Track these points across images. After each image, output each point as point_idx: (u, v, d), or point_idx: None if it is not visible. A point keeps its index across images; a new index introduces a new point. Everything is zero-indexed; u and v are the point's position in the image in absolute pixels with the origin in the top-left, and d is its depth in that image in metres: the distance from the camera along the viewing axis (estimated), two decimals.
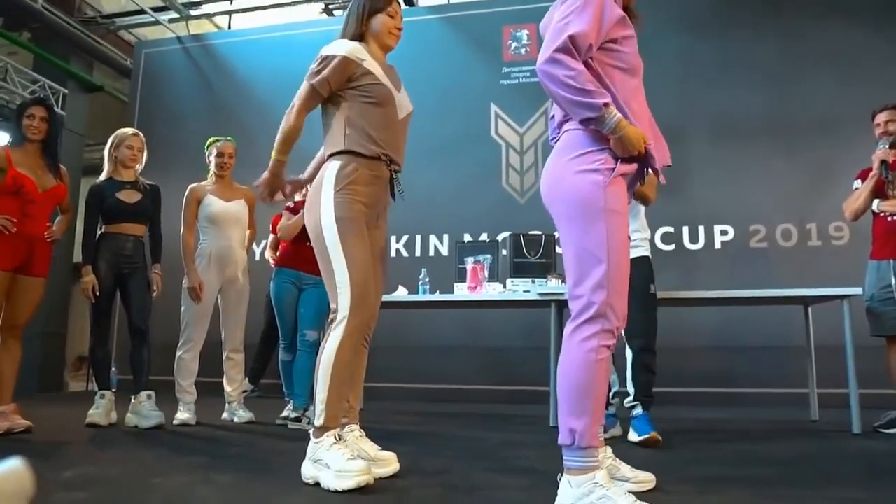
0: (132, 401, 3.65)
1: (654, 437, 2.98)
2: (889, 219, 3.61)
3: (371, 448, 2.24)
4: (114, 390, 3.81)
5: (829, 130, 5.59)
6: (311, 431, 2.10)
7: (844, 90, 5.58)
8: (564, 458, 1.72)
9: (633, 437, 3.12)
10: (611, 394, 3.30)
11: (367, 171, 2.20)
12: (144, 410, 3.56)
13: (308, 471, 2.06)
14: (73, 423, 3.66)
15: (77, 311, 7.81)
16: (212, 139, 4.13)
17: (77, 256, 4.74)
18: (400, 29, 2.40)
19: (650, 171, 1.87)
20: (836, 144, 5.47)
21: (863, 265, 3.77)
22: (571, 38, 1.71)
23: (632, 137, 1.73)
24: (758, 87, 5.84)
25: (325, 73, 2.20)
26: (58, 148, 3.69)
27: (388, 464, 2.19)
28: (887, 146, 3.63)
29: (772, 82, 5.83)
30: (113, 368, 4.15)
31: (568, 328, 1.76)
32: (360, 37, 2.35)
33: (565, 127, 1.86)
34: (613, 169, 1.75)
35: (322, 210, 2.13)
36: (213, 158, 4.07)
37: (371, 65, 2.26)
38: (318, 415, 2.06)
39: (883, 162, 3.60)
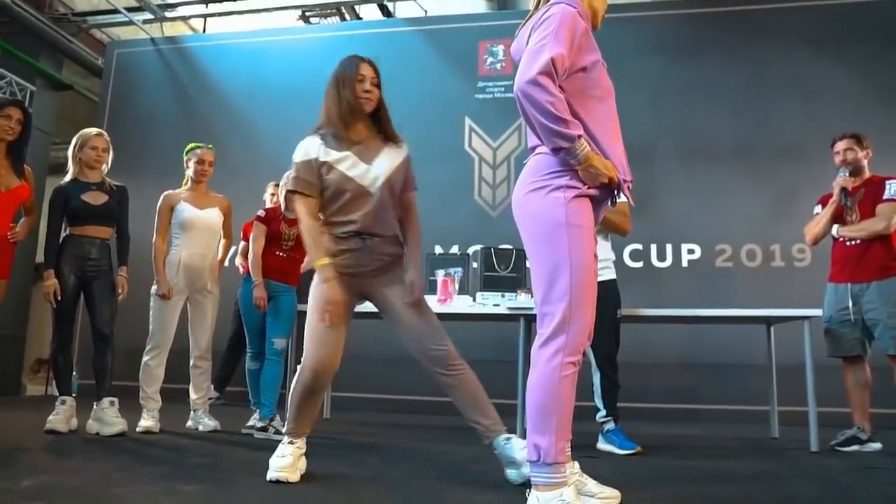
0: (94, 407, 3.57)
1: (639, 451, 3.26)
2: (847, 244, 3.73)
3: None
4: (74, 395, 3.72)
5: (794, 155, 5.75)
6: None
7: (808, 117, 5.76)
8: (531, 474, 1.74)
9: (605, 447, 3.37)
10: None
11: (337, 246, 2.42)
12: (107, 417, 3.49)
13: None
14: (31, 430, 3.56)
15: (37, 314, 7.61)
16: (192, 145, 4.08)
17: (39, 257, 4.63)
18: (369, 91, 2.45)
19: (620, 194, 1.92)
20: (800, 169, 5.63)
21: (823, 286, 3.88)
22: (553, 60, 1.72)
23: (599, 168, 1.77)
24: (726, 112, 5.99)
25: (299, 176, 2.42)
26: (25, 150, 3.62)
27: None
28: (847, 174, 3.75)
29: (739, 107, 5.98)
30: (74, 373, 4.06)
31: (535, 345, 1.79)
32: (332, 122, 2.44)
33: (536, 150, 1.90)
34: (576, 188, 1.79)
35: None
36: (192, 164, 4.01)
37: (329, 154, 2.41)
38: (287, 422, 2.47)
39: (843, 189, 3.72)
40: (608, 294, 3.44)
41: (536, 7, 1.95)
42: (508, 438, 2.36)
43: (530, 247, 1.84)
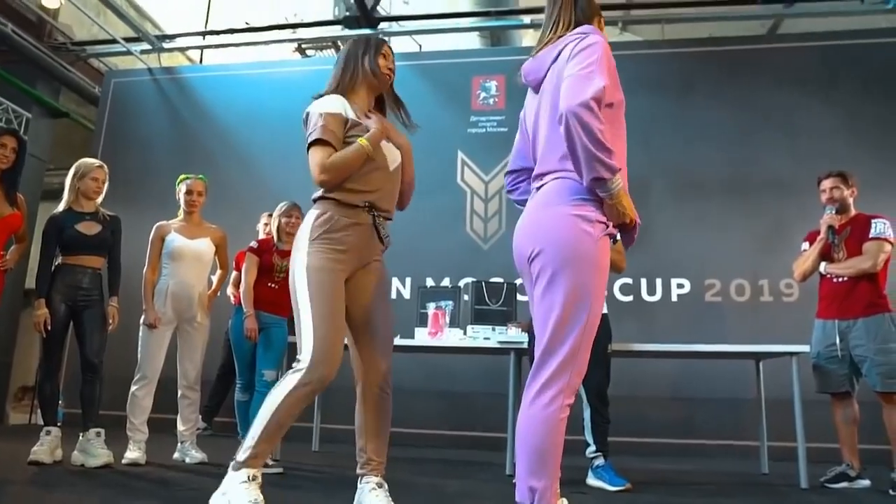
0: (80, 437, 3.53)
1: (629, 488, 3.23)
2: (835, 280, 3.77)
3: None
4: (59, 424, 3.68)
5: (782, 192, 5.83)
6: (231, 464, 2.05)
7: (795, 155, 5.86)
8: None
9: (595, 483, 3.35)
10: None
11: (345, 218, 2.19)
12: (93, 448, 3.45)
13: (216, 502, 2.01)
14: (14, 460, 3.51)
15: (23, 341, 7.55)
16: (183, 176, 4.12)
17: (28, 283, 4.62)
18: (392, 70, 2.41)
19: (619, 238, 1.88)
20: (788, 205, 5.70)
21: (811, 321, 3.91)
22: (604, 88, 1.68)
23: (626, 207, 1.74)
24: (715, 149, 6.08)
25: (327, 126, 2.20)
26: (19, 179, 3.64)
27: None
28: (834, 212, 3.81)
29: (728, 144, 6.08)
30: (59, 401, 4.01)
31: (535, 383, 1.73)
32: (348, 86, 2.34)
33: (555, 175, 1.82)
34: (604, 224, 1.76)
35: (296, 257, 2.16)
36: (181, 196, 4.05)
37: (356, 115, 2.28)
38: (244, 450, 2.02)
39: (830, 227, 3.77)
40: (599, 328, 3.46)
41: (554, 29, 1.91)
42: (381, 485, 2.16)
43: (549, 278, 1.74)
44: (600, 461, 3.38)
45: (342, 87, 2.35)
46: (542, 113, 1.90)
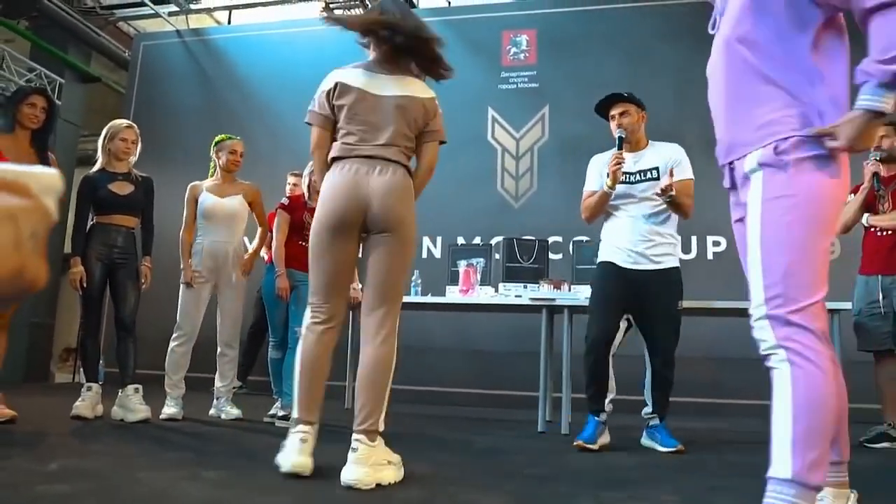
0: (119, 394, 3.62)
1: (680, 450, 3.14)
2: (879, 234, 3.63)
3: None
4: (101, 383, 3.78)
5: None
6: (362, 438, 2.11)
7: None
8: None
9: (649, 444, 3.27)
10: (606, 400, 3.27)
11: None
12: (131, 404, 3.54)
13: (367, 476, 2.03)
14: (58, 415, 3.63)
15: (65, 303, 7.76)
16: (224, 136, 4.13)
17: (68, 247, 4.70)
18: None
19: None
20: None
21: (853, 279, 3.79)
22: None
23: None
24: None
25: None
26: (48, 139, 3.66)
27: None
28: (878, 158, 3.62)
29: None
30: (101, 361, 4.12)
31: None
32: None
33: None
34: None
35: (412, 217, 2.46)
36: (223, 155, 4.05)
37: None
38: (381, 420, 2.17)
39: (875, 175, 3.60)
40: (673, 283, 3.38)
41: None
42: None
43: None
44: (655, 421, 3.28)
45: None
46: None
